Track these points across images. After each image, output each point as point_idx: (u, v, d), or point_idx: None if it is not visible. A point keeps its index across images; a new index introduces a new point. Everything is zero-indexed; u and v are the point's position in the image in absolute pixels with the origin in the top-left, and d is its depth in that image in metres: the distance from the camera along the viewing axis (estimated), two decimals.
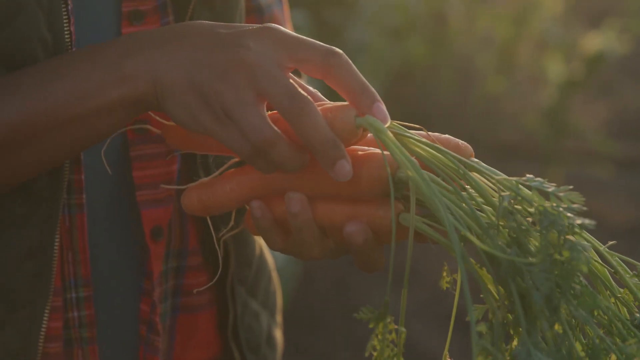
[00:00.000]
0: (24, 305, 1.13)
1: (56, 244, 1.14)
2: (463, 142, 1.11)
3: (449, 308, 4.32)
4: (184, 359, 1.30)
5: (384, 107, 1.03)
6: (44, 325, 1.15)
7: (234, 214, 1.19)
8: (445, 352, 1.08)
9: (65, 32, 1.11)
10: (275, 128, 1.03)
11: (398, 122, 1.08)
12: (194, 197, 1.13)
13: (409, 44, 5.34)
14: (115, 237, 1.22)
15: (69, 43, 1.12)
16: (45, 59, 1.10)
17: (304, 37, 1.06)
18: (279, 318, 1.43)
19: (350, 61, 1.05)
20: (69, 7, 1.12)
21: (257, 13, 1.35)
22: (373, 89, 1.04)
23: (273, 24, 1.07)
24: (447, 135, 1.12)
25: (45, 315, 1.15)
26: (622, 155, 5.37)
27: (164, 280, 1.26)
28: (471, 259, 1.00)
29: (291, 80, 1.03)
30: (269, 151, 1.03)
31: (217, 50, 1.04)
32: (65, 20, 1.11)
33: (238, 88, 1.02)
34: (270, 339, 1.39)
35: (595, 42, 5.10)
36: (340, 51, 1.05)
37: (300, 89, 1.03)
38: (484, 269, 1.01)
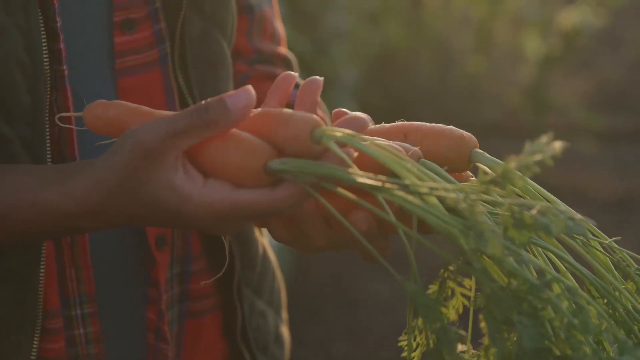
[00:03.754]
0: (11, 331, 1.13)
1: (42, 270, 1.13)
2: (467, 133, 1.12)
3: None
4: None
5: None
6: (34, 348, 1.14)
7: None
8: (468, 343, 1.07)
9: (44, 53, 1.10)
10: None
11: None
12: None
13: (387, 28, 5.34)
14: (118, 249, 1.21)
15: (48, 63, 1.10)
16: (24, 85, 1.08)
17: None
18: (284, 315, 1.44)
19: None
20: (58, 25, 1.11)
21: (247, 11, 1.35)
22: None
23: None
24: (451, 127, 1.12)
25: (35, 339, 1.14)
26: (605, 128, 5.39)
27: (170, 287, 1.26)
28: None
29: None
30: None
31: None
32: (44, 40, 1.10)
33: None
34: (278, 337, 1.39)
35: (571, 17, 5.12)
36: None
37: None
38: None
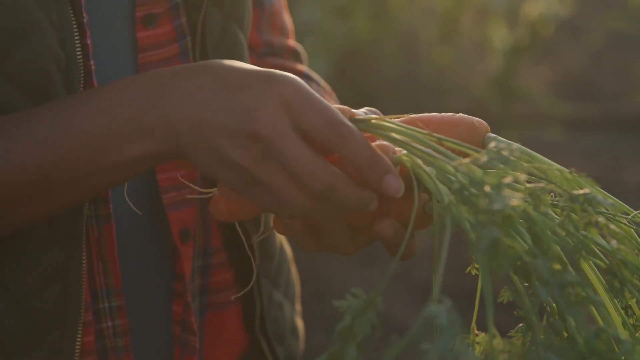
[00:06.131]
0: (55, 325, 1.13)
1: (83, 261, 1.13)
2: (477, 119, 1.12)
3: (419, 280, 4.36)
4: (214, 357, 1.31)
5: (394, 177, 1.00)
6: (78, 342, 1.14)
7: (263, 217, 1.19)
8: (473, 325, 1.09)
9: (77, 48, 1.10)
10: (332, 167, 0.99)
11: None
12: (221, 206, 1.13)
13: (355, 21, 5.35)
14: (143, 243, 1.22)
15: (81, 58, 1.10)
16: (60, 79, 1.09)
17: (313, 97, 0.99)
18: (298, 306, 1.45)
19: (357, 130, 1.00)
20: (84, 20, 1.11)
21: (259, 6, 1.36)
22: (383, 158, 1.00)
23: (281, 78, 1.01)
24: (460, 114, 1.13)
25: (79, 331, 1.14)
26: (572, 116, 5.45)
27: (192, 280, 1.26)
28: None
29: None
30: (330, 197, 1.00)
31: (241, 91, 1.00)
32: (76, 35, 1.10)
33: (275, 126, 0.98)
34: (294, 329, 1.41)
35: (537, 6, 5.16)
36: (347, 123, 0.99)
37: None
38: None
